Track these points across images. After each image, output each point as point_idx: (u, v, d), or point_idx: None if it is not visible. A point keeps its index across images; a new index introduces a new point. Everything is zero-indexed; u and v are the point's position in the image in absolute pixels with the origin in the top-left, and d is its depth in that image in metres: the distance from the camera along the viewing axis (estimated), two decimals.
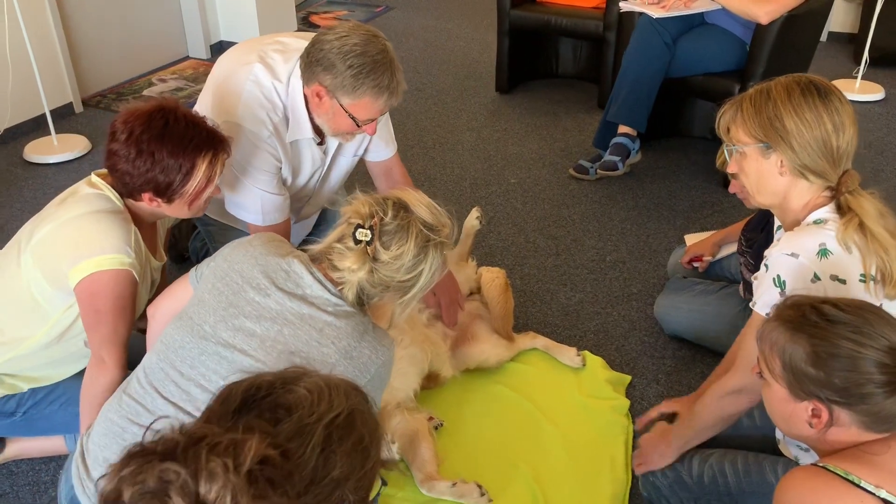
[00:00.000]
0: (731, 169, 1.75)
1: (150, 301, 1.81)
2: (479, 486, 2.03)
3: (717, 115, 1.74)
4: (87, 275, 1.73)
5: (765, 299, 1.64)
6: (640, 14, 3.33)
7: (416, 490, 2.05)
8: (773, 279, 1.62)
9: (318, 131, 2.21)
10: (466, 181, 3.53)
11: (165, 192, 1.77)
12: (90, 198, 1.80)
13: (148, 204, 1.81)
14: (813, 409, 1.32)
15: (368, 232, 1.51)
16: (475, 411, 2.32)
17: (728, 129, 1.72)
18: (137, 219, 1.86)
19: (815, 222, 1.64)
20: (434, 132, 3.98)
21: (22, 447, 2.08)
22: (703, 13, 3.37)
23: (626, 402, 2.30)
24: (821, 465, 1.27)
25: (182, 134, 1.75)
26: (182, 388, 1.51)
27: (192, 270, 1.66)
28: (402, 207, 1.55)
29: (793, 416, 1.36)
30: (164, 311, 1.69)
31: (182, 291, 1.66)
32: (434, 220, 1.57)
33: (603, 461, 2.11)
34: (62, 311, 1.83)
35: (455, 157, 3.74)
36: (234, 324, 1.53)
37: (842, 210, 1.62)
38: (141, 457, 0.82)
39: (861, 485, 1.20)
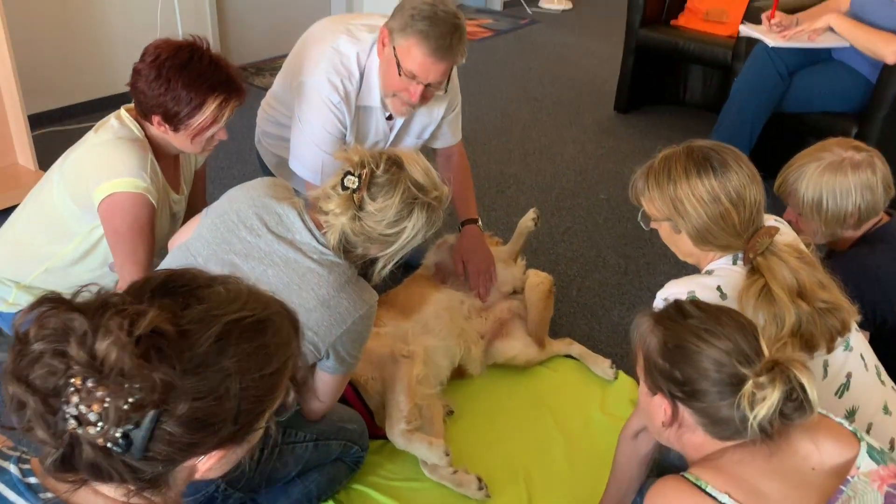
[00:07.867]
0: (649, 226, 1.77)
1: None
2: (479, 479, 2.02)
3: (631, 182, 1.75)
4: (107, 195, 1.86)
5: None
6: (759, 41, 3.18)
7: (414, 469, 2.06)
8: None
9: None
10: (555, 190, 3.50)
11: (172, 119, 1.89)
12: (115, 127, 1.95)
13: (157, 128, 1.93)
14: (663, 405, 1.31)
15: (356, 179, 1.55)
16: (489, 406, 2.31)
17: (639, 200, 1.74)
18: (159, 151, 1.99)
19: (707, 272, 1.68)
20: (538, 140, 3.97)
21: None
22: (830, 49, 3.17)
23: None
24: (681, 474, 1.24)
25: (201, 71, 1.87)
26: None
27: (206, 208, 1.77)
28: (395, 164, 1.59)
29: (653, 413, 1.35)
30: None
31: (196, 226, 1.77)
32: (426, 181, 1.59)
33: (602, 479, 2.03)
34: (87, 231, 1.98)
35: (551, 165, 3.72)
36: (224, 259, 1.61)
37: (752, 270, 1.60)
38: (55, 303, 0.88)
39: (707, 490, 1.18)
